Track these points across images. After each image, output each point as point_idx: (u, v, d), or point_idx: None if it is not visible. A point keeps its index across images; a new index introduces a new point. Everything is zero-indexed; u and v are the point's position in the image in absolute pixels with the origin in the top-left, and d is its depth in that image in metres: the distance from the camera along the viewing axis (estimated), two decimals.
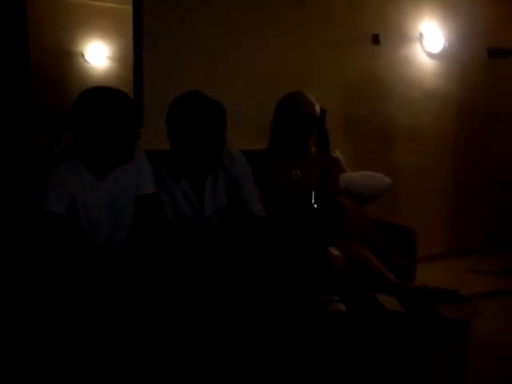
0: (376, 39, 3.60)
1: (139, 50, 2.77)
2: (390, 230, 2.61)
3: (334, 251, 2.04)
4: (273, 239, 2.04)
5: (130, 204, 2.07)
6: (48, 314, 1.64)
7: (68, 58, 2.63)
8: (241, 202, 2.27)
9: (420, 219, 3.34)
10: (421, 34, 3.83)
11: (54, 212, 1.87)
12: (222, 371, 1.61)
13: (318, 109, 2.48)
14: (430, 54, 3.90)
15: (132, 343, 1.61)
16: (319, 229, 2.03)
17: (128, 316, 1.66)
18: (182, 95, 2.15)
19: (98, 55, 2.70)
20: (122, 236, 2.08)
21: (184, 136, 2.14)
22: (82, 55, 2.66)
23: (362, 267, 2.14)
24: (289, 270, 1.90)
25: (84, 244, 1.99)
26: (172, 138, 2.19)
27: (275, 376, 1.64)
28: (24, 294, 1.72)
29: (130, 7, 2.73)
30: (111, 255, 2.01)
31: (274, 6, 3.18)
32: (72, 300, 1.69)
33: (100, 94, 1.90)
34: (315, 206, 2.01)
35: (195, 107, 2.12)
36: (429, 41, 3.85)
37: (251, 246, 1.97)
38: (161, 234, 2.00)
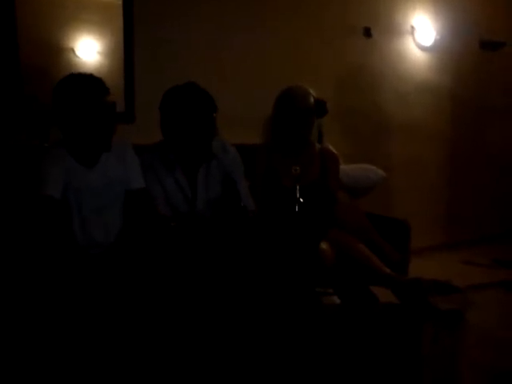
0: (368, 32, 3.59)
1: (130, 45, 2.75)
2: (384, 222, 2.61)
3: (322, 244, 2.05)
4: (262, 233, 2.04)
5: (120, 196, 2.07)
6: (45, 309, 1.64)
7: (58, 54, 2.61)
8: (232, 197, 2.29)
9: (413, 212, 3.34)
10: (412, 27, 3.83)
11: (53, 196, 1.88)
12: (215, 364, 1.61)
13: (312, 100, 2.48)
14: (421, 47, 3.90)
15: (123, 341, 1.61)
16: (307, 221, 2.03)
17: (120, 315, 1.65)
18: (177, 85, 2.20)
19: (89, 50, 2.68)
20: (115, 226, 2.08)
21: (174, 122, 2.17)
22: (73, 50, 2.64)
23: (356, 260, 2.14)
24: (281, 264, 1.90)
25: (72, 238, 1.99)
26: (163, 125, 2.21)
27: (271, 368, 1.64)
28: (24, 285, 1.72)
29: (119, 1, 2.71)
30: (102, 253, 2.01)
31: (267, 0, 3.17)
32: (66, 298, 1.69)
33: (75, 80, 1.93)
34: (301, 199, 2.01)
35: (186, 95, 2.16)
36: (420, 34, 3.85)
37: (242, 240, 1.96)
38: (151, 231, 2.00)
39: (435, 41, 3.88)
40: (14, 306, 1.66)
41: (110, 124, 1.99)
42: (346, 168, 2.79)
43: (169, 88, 2.21)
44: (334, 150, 2.64)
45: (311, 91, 2.50)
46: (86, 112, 1.91)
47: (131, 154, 2.12)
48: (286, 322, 1.69)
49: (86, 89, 1.91)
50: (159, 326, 1.64)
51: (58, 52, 2.61)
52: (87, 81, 1.94)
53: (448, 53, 4.01)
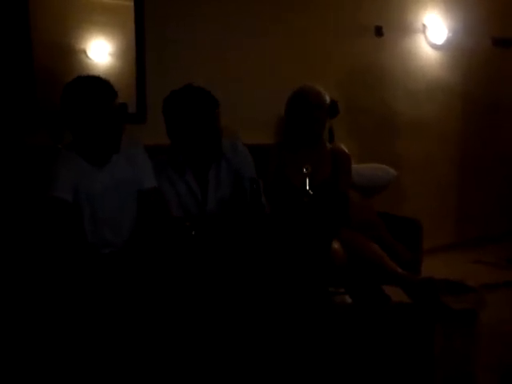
0: (379, 31, 3.58)
1: (141, 46, 2.76)
2: (396, 222, 2.60)
3: (334, 244, 2.04)
4: (273, 232, 2.04)
5: (131, 196, 2.08)
6: (51, 309, 1.65)
7: (70, 55, 2.63)
8: (242, 195, 2.30)
9: (425, 211, 3.33)
10: (424, 26, 3.81)
11: (63, 198, 1.90)
12: (227, 364, 1.62)
13: (327, 98, 2.48)
14: (433, 46, 3.88)
15: (136, 341, 1.62)
16: (319, 220, 2.03)
17: (132, 314, 1.66)
18: (177, 89, 2.22)
19: (101, 52, 2.70)
20: (127, 226, 2.09)
21: (178, 125, 2.19)
22: (85, 52, 2.66)
23: (367, 259, 2.14)
24: (293, 263, 1.90)
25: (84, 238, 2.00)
26: (169, 130, 2.23)
27: (282, 367, 1.64)
28: (30, 288, 1.74)
29: (131, 3, 2.72)
30: (115, 253, 2.02)
31: (275, 0, 3.17)
32: (76, 297, 1.70)
33: (82, 83, 1.94)
34: (310, 191, 2.00)
35: (184, 96, 2.18)
36: (432, 32, 3.83)
37: (253, 240, 1.97)
38: (165, 230, 2.01)
39: (447, 39, 3.86)
40: (24, 307, 1.67)
41: (118, 126, 1.99)
42: (358, 167, 2.78)
43: (168, 94, 2.23)
44: (346, 150, 2.64)
45: (322, 89, 2.50)
46: (93, 114, 1.91)
47: (142, 155, 2.13)
48: (297, 322, 1.69)
49: (92, 91, 1.92)
50: (171, 326, 1.65)
51: (70, 54, 2.62)
52: (94, 83, 1.95)
53: (460, 50, 3.98)
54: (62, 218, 1.90)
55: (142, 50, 2.76)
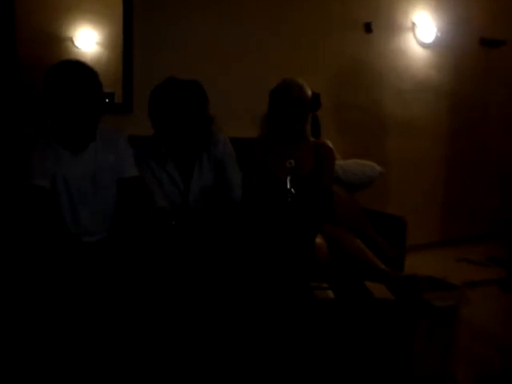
0: (368, 28, 3.58)
1: (129, 35, 2.74)
2: (381, 218, 2.62)
3: (317, 239, 2.04)
4: (256, 226, 2.04)
5: (110, 184, 2.06)
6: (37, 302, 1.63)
7: (57, 44, 2.60)
8: (223, 186, 2.32)
9: (410, 208, 3.35)
10: (413, 24, 3.82)
11: (40, 186, 1.88)
12: (205, 358, 1.61)
13: (309, 92, 2.46)
14: (422, 44, 3.89)
15: (117, 334, 1.61)
16: (301, 215, 2.03)
17: (114, 306, 1.65)
18: (159, 83, 2.21)
19: (88, 41, 2.67)
20: (107, 214, 2.07)
21: (166, 120, 2.18)
22: (72, 41, 2.63)
23: (351, 255, 2.15)
24: (275, 258, 1.90)
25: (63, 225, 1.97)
26: (156, 124, 2.23)
27: (264, 362, 1.64)
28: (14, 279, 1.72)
29: None
30: (98, 245, 2.00)
31: None
32: (59, 286, 1.68)
33: (64, 67, 1.91)
34: (292, 190, 2.00)
35: (173, 90, 2.17)
36: (421, 31, 3.84)
37: (236, 234, 1.97)
38: (147, 219, 1.99)
39: (436, 38, 3.88)
40: (8, 297, 1.65)
41: (95, 113, 1.95)
42: (344, 163, 2.78)
43: (154, 87, 2.22)
44: (330, 145, 2.63)
45: (305, 84, 2.49)
46: (71, 99, 1.87)
47: (124, 143, 2.10)
48: (280, 316, 1.69)
49: (73, 76, 1.88)
50: (153, 319, 1.64)
51: (57, 42, 2.59)
52: (76, 68, 1.91)
53: (448, 50, 4.01)
54: (40, 204, 1.87)
55: (129, 39, 2.74)
